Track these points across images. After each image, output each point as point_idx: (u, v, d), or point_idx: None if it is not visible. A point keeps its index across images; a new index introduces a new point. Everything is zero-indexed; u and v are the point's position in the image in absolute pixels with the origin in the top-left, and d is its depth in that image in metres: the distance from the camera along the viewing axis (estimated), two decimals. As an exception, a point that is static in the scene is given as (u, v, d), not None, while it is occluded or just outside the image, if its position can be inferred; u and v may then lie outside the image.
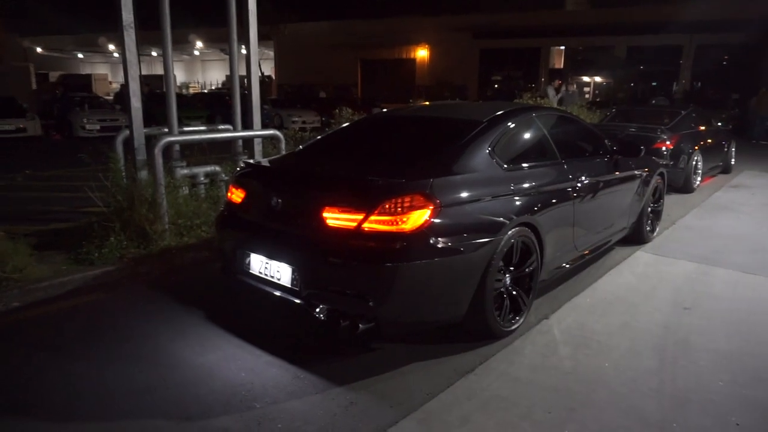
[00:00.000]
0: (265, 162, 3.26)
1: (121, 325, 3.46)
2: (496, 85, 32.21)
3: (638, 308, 3.75)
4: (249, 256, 3.16)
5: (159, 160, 4.67)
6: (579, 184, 3.83)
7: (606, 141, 4.55)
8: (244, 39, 5.69)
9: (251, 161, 3.28)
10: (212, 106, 17.28)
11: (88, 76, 36.88)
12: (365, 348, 3.13)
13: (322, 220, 2.78)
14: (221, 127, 6.04)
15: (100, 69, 49.70)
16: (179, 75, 50.27)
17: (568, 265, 3.92)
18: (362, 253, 2.67)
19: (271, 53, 42.34)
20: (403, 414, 2.49)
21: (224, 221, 3.40)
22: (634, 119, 8.39)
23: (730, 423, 2.46)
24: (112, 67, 51.67)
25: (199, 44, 44.46)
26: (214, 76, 50.19)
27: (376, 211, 2.67)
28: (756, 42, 21.33)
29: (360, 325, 2.71)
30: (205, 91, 35.08)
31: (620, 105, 9.78)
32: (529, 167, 3.49)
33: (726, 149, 9.13)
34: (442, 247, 2.76)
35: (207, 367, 2.94)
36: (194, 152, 5.80)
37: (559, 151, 3.84)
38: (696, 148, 7.72)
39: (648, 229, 5.22)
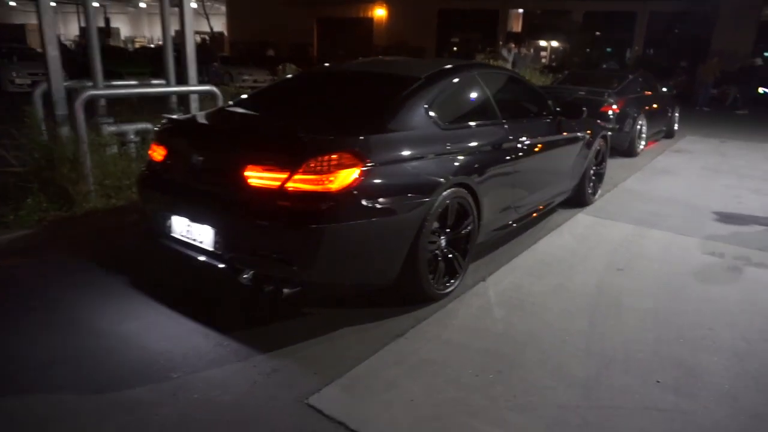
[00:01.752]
0: (187, 118, 3.03)
1: (36, 292, 3.22)
2: (454, 48, 31.88)
3: (574, 269, 3.77)
4: (170, 218, 2.96)
5: (80, 115, 4.32)
6: (519, 145, 3.77)
7: (549, 102, 4.50)
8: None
9: (174, 117, 3.04)
10: (157, 61, 16.35)
11: (21, 27, 34.25)
12: (296, 313, 3.03)
13: (245, 179, 2.60)
14: (155, 81, 5.65)
15: (35, 19, 46.25)
16: (124, 29, 47.43)
17: (507, 227, 3.89)
18: (286, 214, 2.52)
19: (224, 8, 40.42)
20: (328, 381, 2.40)
21: (145, 181, 3.17)
22: (583, 83, 8.41)
23: (651, 381, 2.50)
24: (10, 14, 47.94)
25: (145, -4, 42.02)
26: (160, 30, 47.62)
27: (300, 170, 2.51)
28: (706, 12, 21.75)
29: (284, 290, 2.59)
30: (152, 45, 33.22)
31: (572, 69, 9.80)
32: (467, 127, 3.39)
33: (670, 114, 9.32)
34: (371, 208, 2.64)
35: (125, 335, 2.77)
36: (125, 109, 5.43)
37: (501, 111, 3.75)
38: (641, 112, 7.82)
39: (590, 191, 5.26)
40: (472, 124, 3.44)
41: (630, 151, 7.78)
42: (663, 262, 3.96)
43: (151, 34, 47.49)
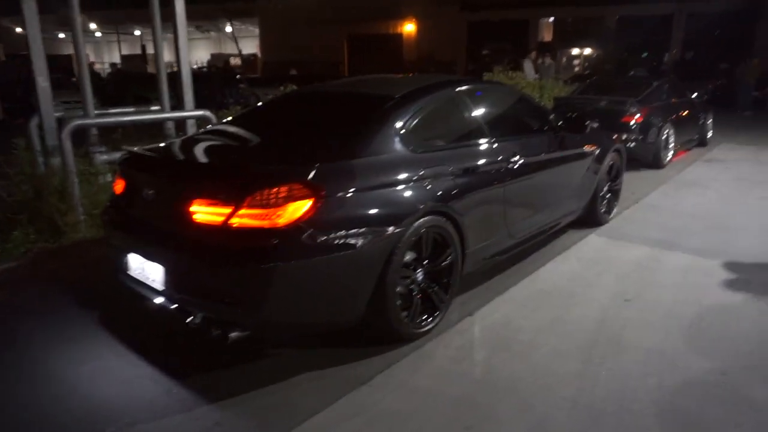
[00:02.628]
0: (147, 148, 2.90)
1: (3, 328, 3.13)
2: (486, 59, 31.48)
3: (575, 300, 3.43)
4: (127, 254, 2.81)
5: (67, 145, 4.29)
6: (511, 166, 3.48)
7: (551, 117, 4.19)
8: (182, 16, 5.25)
9: (134, 148, 2.91)
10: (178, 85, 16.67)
11: (68, 57, 35.88)
12: (260, 354, 2.81)
13: (190, 215, 2.42)
14: (154, 108, 5.63)
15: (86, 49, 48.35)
16: (166, 54, 49.13)
17: (501, 254, 3.59)
18: (229, 252, 2.32)
19: (257, 30, 41.34)
20: (271, 437, 2.18)
21: (107, 215, 3.04)
22: (605, 91, 7.98)
23: (644, 440, 2.16)
24: (95, 47, 50.43)
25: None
26: (199, 55, 49.04)
27: (245, 204, 2.31)
28: (746, 11, 20.73)
29: (231, 335, 2.38)
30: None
31: (593, 77, 9.33)
32: (446, 148, 3.13)
33: (702, 121, 8.75)
34: (327, 243, 2.41)
35: (76, 381, 2.62)
36: (122, 137, 5.40)
37: (490, 130, 3.47)
38: (667, 121, 7.34)
39: (603, 210, 4.88)
40: (452, 145, 3.18)
41: (656, 163, 7.30)
42: (678, 291, 3.57)
43: (190, 58, 49.08)
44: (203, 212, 2.39)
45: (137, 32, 48.50)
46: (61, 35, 50.50)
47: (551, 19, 30.44)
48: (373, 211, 2.59)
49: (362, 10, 33.46)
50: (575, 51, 29.69)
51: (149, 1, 5.03)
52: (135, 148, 2.92)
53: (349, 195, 2.53)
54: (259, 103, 3.75)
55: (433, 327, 2.99)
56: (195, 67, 40.49)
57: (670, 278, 3.78)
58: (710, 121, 9.12)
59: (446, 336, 2.98)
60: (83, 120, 4.42)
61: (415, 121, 3.03)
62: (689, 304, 3.36)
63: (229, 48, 40.26)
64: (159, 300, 2.61)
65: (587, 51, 29.38)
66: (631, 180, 6.79)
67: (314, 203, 2.38)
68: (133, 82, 19.78)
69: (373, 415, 2.32)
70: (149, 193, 2.66)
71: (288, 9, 35.62)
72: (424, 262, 2.94)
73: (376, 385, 2.53)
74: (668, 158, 7.50)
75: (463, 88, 3.55)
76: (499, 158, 3.39)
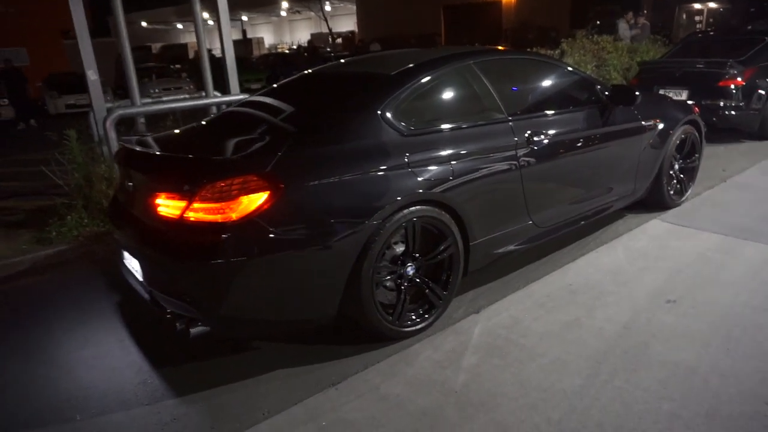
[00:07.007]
0: (137, 139, 2.92)
1: (34, 310, 3.38)
2: (597, 22, 29.00)
3: (605, 300, 2.99)
4: (121, 248, 2.86)
5: (111, 134, 4.52)
6: (533, 146, 3.07)
7: (597, 88, 3.65)
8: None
9: (127, 138, 2.95)
10: (274, 66, 17.28)
11: (184, 46, 38.61)
12: (243, 347, 2.76)
13: (155, 208, 2.39)
14: (197, 95, 5.78)
15: (194, 37, 51.89)
16: (267, 37, 51.44)
17: (524, 246, 3.21)
18: (181, 247, 2.25)
19: (354, 8, 41.63)
20: (215, 440, 2.11)
21: (110, 207, 3.14)
22: (703, 51, 6.93)
23: (628, 482, 1.80)
24: (209, 34, 53.82)
25: (285, 5, 44.86)
26: (301, 35, 50.49)
27: (197, 197, 2.22)
28: None
29: (191, 330, 2.32)
30: (273, 52, 35.06)
31: (688, 36, 8.06)
32: (445, 130, 2.81)
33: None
34: (286, 238, 2.26)
35: (71, 365, 2.74)
36: (172, 124, 5.61)
37: (507, 106, 3.08)
38: (779, 83, 6.20)
39: (671, 191, 4.22)
40: (454, 126, 2.84)
41: (763, 133, 6.22)
42: (739, 293, 2.97)
43: (292, 39, 50.74)
44: (164, 206, 2.34)
45: (245, 17, 51.07)
46: (179, 26, 54.68)
47: (670, -29, 27.19)
48: (342, 203, 2.39)
49: (459, -23, 32.27)
50: (698, 6, 26.34)
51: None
52: (132, 137, 2.96)
53: (316, 186, 2.34)
54: (269, 87, 3.63)
55: (426, 326, 2.75)
56: (286, 48, 41.70)
57: (737, 275, 3.17)
58: None
59: (440, 336, 2.72)
60: (125, 109, 4.63)
61: (408, 102, 2.75)
62: (747, 312, 2.78)
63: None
64: (142, 293, 2.63)
65: (711, 5, 25.94)
66: (726, 154, 5.89)
67: (271, 196, 2.23)
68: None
69: (327, 422, 2.16)
70: (130, 186, 2.67)
71: (384, -16, 35.37)
72: (416, 256, 2.69)
73: (345, 388, 2.37)
74: (780, 127, 6.37)
75: (482, 59, 3.17)
76: (515, 139, 3.00)
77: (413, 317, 2.71)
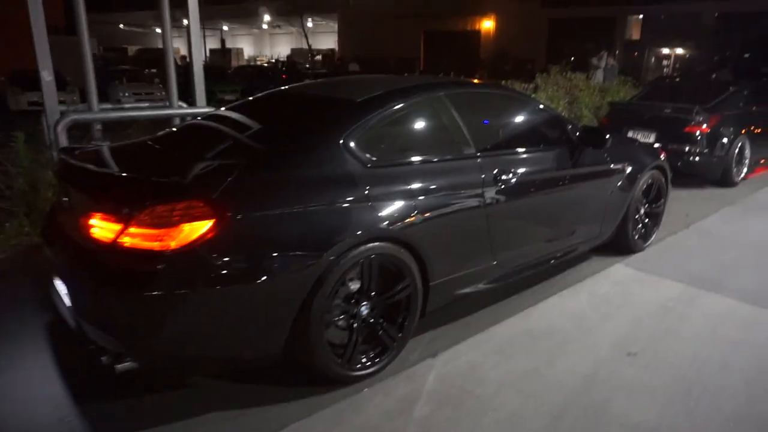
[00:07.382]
0: (78, 150, 2.71)
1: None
2: (572, 58, 29.82)
3: (566, 348, 2.88)
4: (51, 267, 2.62)
5: (63, 140, 4.26)
6: (501, 184, 2.97)
7: (569, 128, 3.60)
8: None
9: (68, 147, 2.74)
10: (251, 79, 17.07)
11: (162, 50, 38.01)
12: (182, 384, 2.54)
13: (87, 229, 2.18)
14: (161, 104, 5.57)
15: (175, 43, 51.24)
16: (248, 49, 51.14)
17: (485, 286, 3.09)
18: (109, 275, 2.05)
19: (336, 26, 41.87)
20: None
21: (44, 222, 2.90)
22: (671, 96, 7.07)
23: None
24: (186, 41, 53.24)
25: (267, 18, 44.79)
26: (282, 49, 50.46)
27: (134, 221, 2.03)
28: None
29: (117, 366, 2.11)
30: (251, 64, 34.92)
31: (656, 79, 8.31)
32: (410, 164, 2.69)
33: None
34: (229, 271, 2.08)
35: (-14, 392, 2.48)
36: (135, 132, 5.37)
37: (476, 142, 2.99)
38: (742, 132, 6.35)
39: (636, 236, 4.19)
40: (418, 159, 2.73)
41: (725, 181, 6.34)
42: (702, 346, 2.91)
43: (272, 52, 50.63)
44: (98, 227, 2.14)
45: (225, 27, 50.77)
46: (158, 30, 53.99)
47: (641, 16, 28.27)
48: (294, 236, 2.23)
49: (442, 4, 32.84)
50: (665, 50, 27.39)
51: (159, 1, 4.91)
52: (64, 149, 2.74)
53: (267, 216, 2.18)
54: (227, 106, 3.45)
55: (378, 369, 2.58)
56: (265, 61, 41.54)
57: (697, 328, 3.12)
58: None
59: (392, 381, 2.56)
60: (80, 114, 4.39)
61: (373, 131, 2.62)
62: (712, 368, 2.71)
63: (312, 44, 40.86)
64: (68, 320, 2.39)
65: (679, 51, 27.01)
66: (691, 199, 5.96)
67: (216, 224, 2.06)
68: (208, 77, 20.67)
69: (261, 478, 1.97)
70: (65, 203, 2.46)
71: (367, 4, 35.70)
72: (371, 295, 2.53)
73: (281, 439, 2.18)
74: (741, 175, 6.51)
75: (451, 93, 3.08)
76: (481, 176, 2.90)
77: (364, 360, 2.54)
